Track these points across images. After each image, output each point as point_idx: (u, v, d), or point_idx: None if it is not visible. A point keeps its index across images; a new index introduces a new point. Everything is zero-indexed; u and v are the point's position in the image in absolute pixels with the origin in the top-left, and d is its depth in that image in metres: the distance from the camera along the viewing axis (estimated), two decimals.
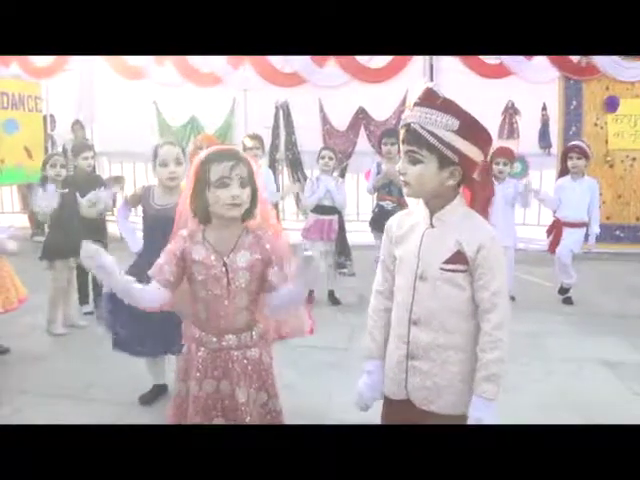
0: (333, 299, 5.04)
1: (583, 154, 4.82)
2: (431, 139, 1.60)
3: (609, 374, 3.55)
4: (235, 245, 1.89)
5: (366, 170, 7.18)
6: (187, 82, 7.24)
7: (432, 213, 1.70)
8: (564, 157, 5.00)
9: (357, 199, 7.32)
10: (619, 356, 3.80)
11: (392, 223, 1.82)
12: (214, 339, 1.92)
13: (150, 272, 1.90)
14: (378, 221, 4.99)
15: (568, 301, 4.92)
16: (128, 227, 3.22)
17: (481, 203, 1.75)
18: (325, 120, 7.44)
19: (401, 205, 4.99)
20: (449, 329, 1.67)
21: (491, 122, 5.93)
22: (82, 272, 4.61)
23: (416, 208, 1.78)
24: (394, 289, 1.79)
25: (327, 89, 7.24)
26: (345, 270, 5.05)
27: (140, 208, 3.11)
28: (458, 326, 1.67)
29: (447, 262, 1.66)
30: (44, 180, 4.25)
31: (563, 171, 5.01)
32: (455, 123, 1.58)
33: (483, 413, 1.63)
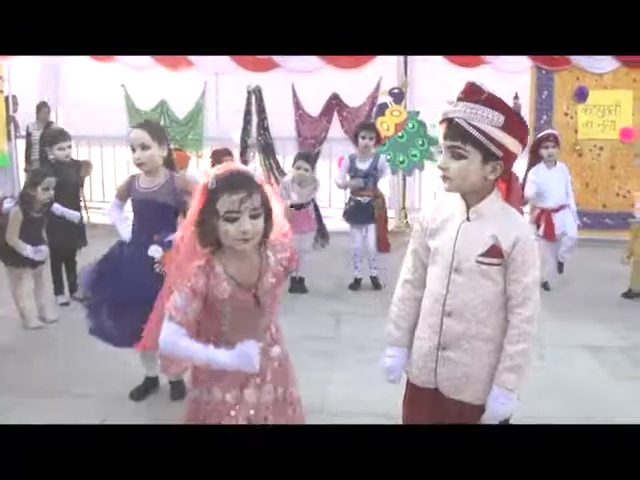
0: (302, 286, 4.99)
1: (557, 142, 4.94)
2: (478, 135, 1.60)
3: (590, 358, 3.66)
4: (259, 275, 1.79)
5: (339, 156, 7.19)
6: (157, 65, 7.05)
7: (469, 206, 1.71)
8: (537, 146, 5.01)
9: (329, 186, 7.30)
10: (598, 340, 3.92)
11: (426, 214, 1.83)
12: None
13: (176, 317, 1.70)
14: (355, 214, 5.03)
15: (545, 286, 4.99)
16: (120, 218, 3.15)
17: (516, 195, 1.76)
18: (298, 105, 7.38)
19: (377, 197, 5.02)
20: (481, 321, 1.70)
21: None
22: (55, 262, 4.49)
23: (450, 199, 1.78)
24: (427, 279, 1.80)
25: (300, 74, 7.15)
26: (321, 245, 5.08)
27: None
28: (489, 318, 1.70)
29: (483, 255, 1.67)
30: (29, 200, 3.89)
31: (534, 160, 5.01)
32: (501, 119, 1.59)
33: (502, 404, 1.67)
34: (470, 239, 1.69)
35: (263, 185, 1.76)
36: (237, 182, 1.69)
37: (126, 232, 3.03)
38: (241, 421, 1.80)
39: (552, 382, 3.26)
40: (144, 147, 2.86)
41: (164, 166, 2.98)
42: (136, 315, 2.73)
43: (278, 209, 1.81)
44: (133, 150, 2.90)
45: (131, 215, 3.06)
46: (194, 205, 1.75)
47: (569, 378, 3.35)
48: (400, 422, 2.48)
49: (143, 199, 2.92)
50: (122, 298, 2.80)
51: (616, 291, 4.93)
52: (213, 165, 4.63)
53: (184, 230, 1.80)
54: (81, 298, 4.03)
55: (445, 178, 1.69)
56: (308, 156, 5.09)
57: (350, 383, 3.28)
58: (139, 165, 2.92)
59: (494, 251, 1.66)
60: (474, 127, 1.59)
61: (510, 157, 1.65)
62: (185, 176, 3.16)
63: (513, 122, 1.62)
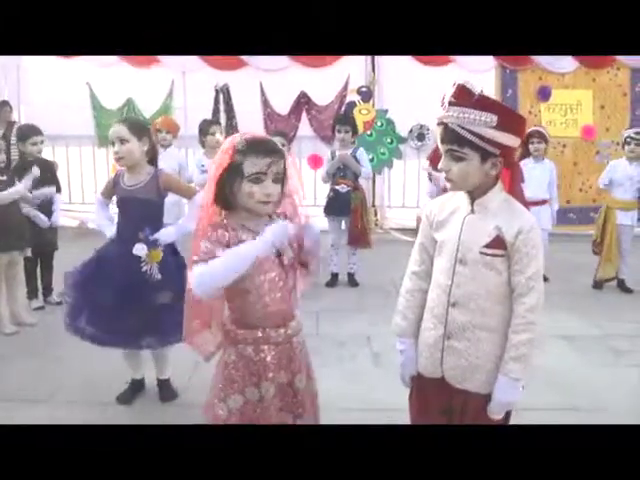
0: None
1: (543, 138, 5.19)
2: (472, 138, 1.64)
3: (566, 347, 3.81)
4: None
5: (309, 154, 7.21)
6: (123, 63, 6.92)
7: (473, 199, 1.75)
8: (525, 142, 5.18)
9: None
10: (574, 330, 4.10)
11: (432, 208, 1.86)
12: (281, 330, 1.82)
13: (205, 259, 1.68)
14: (333, 205, 5.04)
15: None
16: (105, 215, 3.10)
17: (519, 185, 1.81)
18: (266, 104, 7.35)
19: (355, 188, 5.06)
20: (485, 311, 1.74)
21: (431, 108, 6.03)
22: (30, 264, 4.37)
23: (456, 193, 1.82)
24: (433, 271, 1.83)
25: (268, 72, 7.12)
26: None
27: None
28: (493, 308, 1.74)
29: (487, 247, 1.71)
30: None
31: (525, 153, 5.22)
32: (493, 119, 1.62)
33: (507, 393, 1.72)
34: (474, 231, 1.73)
35: (285, 155, 1.83)
36: (266, 146, 1.77)
37: (110, 231, 2.98)
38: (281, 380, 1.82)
39: (533, 371, 3.36)
40: (122, 141, 2.84)
41: (147, 162, 2.95)
42: (124, 313, 2.72)
43: (294, 179, 1.85)
44: (113, 144, 2.89)
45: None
46: (218, 164, 1.76)
47: (549, 367, 3.45)
48: (387, 412, 2.53)
49: (128, 196, 2.89)
50: (109, 297, 2.76)
51: (585, 282, 5.16)
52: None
53: (207, 190, 1.80)
54: (60, 300, 3.94)
55: (448, 180, 1.74)
56: None
57: (336, 378, 3.31)
58: (118, 160, 2.90)
59: (498, 242, 1.70)
60: (468, 131, 1.63)
61: (509, 151, 1.70)
62: (169, 175, 3.12)
63: (506, 119, 1.65)
